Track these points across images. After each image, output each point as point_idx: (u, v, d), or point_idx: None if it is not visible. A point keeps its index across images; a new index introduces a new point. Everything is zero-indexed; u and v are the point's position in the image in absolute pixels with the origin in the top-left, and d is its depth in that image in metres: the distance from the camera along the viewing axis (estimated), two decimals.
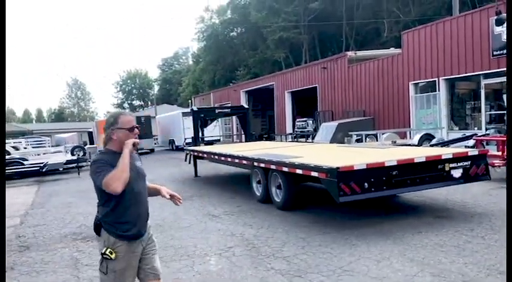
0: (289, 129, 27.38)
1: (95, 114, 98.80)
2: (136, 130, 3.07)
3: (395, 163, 6.05)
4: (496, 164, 8.99)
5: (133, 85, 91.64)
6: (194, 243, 5.79)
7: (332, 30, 41.56)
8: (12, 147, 24.99)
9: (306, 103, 28.11)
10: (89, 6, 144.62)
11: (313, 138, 20.57)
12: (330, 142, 16.70)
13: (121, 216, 2.97)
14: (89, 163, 15.44)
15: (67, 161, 17.50)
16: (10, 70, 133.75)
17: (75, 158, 18.47)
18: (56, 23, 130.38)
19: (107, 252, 2.91)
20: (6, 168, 16.37)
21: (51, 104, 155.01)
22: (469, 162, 6.58)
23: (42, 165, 16.85)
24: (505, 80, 14.05)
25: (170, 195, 3.41)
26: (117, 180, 2.79)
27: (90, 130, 31.12)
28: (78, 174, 16.18)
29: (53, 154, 23.37)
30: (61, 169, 17.08)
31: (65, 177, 15.86)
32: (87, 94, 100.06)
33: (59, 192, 11.96)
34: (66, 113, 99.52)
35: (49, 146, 32.35)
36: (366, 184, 5.80)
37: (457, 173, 6.48)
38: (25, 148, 27.51)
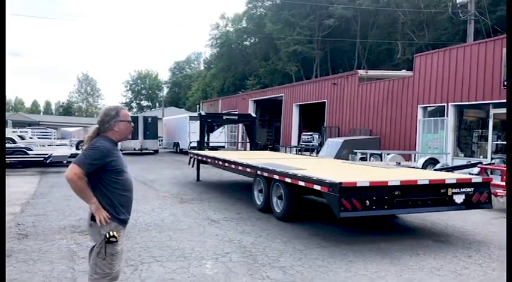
0: (294, 142, 27.39)
1: None
2: (132, 123, 3.43)
3: (398, 183, 6.05)
4: (498, 194, 8.97)
5: (143, 85, 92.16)
6: (191, 246, 5.80)
7: (345, 48, 41.76)
8: (18, 136, 25.15)
9: (313, 117, 28.16)
10: (107, 3, 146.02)
11: (317, 152, 20.57)
12: (335, 158, 16.69)
13: (119, 201, 3.24)
14: None
15: (71, 154, 17.55)
16: (22, 60, 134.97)
17: (79, 152, 18.56)
18: (72, 16, 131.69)
19: (114, 234, 3.15)
20: (11, 156, 16.48)
21: (60, 97, 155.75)
22: (472, 189, 6.56)
23: (46, 156, 16.94)
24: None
25: None
26: (73, 182, 3.06)
27: (97, 126, 31.27)
28: None
29: (58, 146, 23.49)
30: (65, 162, 17.14)
31: None
32: (97, 90, 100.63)
33: (61, 185, 11.99)
34: (74, 108, 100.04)
35: (55, 138, 32.53)
36: (367, 201, 5.80)
37: (459, 199, 6.47)
38: (31, 138, 27.69)
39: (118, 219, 3.22)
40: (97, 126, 3.34)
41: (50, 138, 32.10)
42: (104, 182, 3.19)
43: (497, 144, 15.36)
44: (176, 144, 29.98)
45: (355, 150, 16.81)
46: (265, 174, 8.10)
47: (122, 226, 3.28)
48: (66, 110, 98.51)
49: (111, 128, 3.28)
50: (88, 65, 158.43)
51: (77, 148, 23.54)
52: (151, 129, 27.90)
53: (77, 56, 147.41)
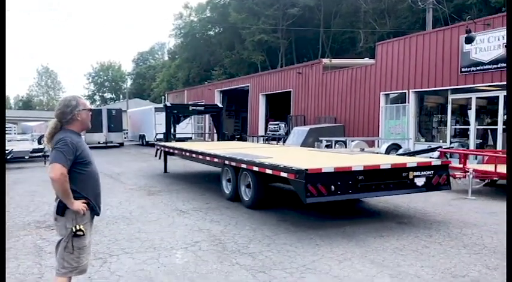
0: (261, 132, 27.53)
1: None
2: (90, 111, 3.41)
3: (361, 168, 6.24)
4: (457, 176, 9.37)
5: (105, 77, 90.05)
6: (161, 237, 5.81)
7: (309, 37, 42.07)
8: None
9: (279, 106, 28.35)
10: None
11: (284, 141, 20.77)
12: (301, 146, 16.90)
13: (87, 193, 3.21)
14: None
15: (33, 149, 17.08)
16: None
17: (42, 146, 18.05)
18: (32, 7, 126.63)
19: (81, 228, 3.13)
20: None
21: (20, 91, 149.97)
22: (432, 171, 6.84)
23: (6, 152, 16.37)
24: (471, 96, 14.65)
25: None
26: (59, 182, 3.01)
27: (56, 119, 30.41)
28: (45, 163, 15.84)
29: (18, 142, 22.74)
30: (27, 157, 16.65)
31: (30, 166, 15.51)
32: (58, 83, 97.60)
33: (24, 181, 11.70)
34: (35, 101, 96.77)
35: (15, 133, 31.45)
36: (332, 187, 5.96)
37: (420, 182, 6.73)
38: None
39: (85, 211, 3.20)
40: (56, 120, 3.24)
41: (10, 133, 31.01)
42: (71, 175, 3.11)
43: (455, 128, 15.96)
44: (142, 137, 29.57)
45: (320, 138, 17.09)
46: (233, 163, 8.16)
47: (89, 219, 3.26)
48: (26, 104, 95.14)
49: (75, 119, 3.23)
50: (48, 58, 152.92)
51: (39, 143, 22.85)
52: (115, 122, 27.39)
53: (35, 49, 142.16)
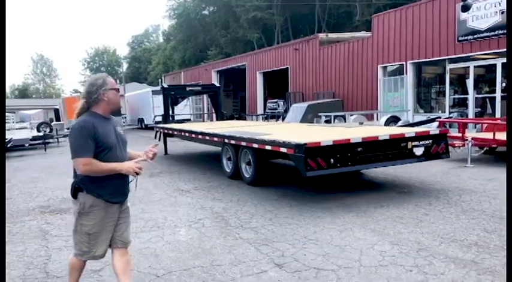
0: (260, 110, 27.48)
1: (61, 91, 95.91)
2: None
3: (360, 140, 6.26)
4: (456, 145, 9.42)
5: (101, 62, 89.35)
6: (164, 216, 5.89)
7: (305, 12, 41.51)
8: None
9: (277, 84, 28.22)
10: None
11: (283, 119, 20.76)
12: (300, 123, 16.90)
13: (103, 179, 3.01)
14: (56, 140, 14.91)
15: (33, 137, 17.13)
16: None
17: (41, 134, 18.11)
18: None
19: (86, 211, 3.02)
20: None
21: (15, 80, 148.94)
22: (431, 140, 6.88)
23: (6, 140, 16.41)
24: (469, 65, 14.57)
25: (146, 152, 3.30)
26: (89, 172, 2.92)
27: (57, 107, 30.41)
28: (45, 150, 15.90)
29: (17, 130, 22.77)
30: (27, 145, 16.71)
31: (31, 154, 15.55)
32: (54, 71, 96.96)
33: (25, 168, 11.75)
34: (31, 90, 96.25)
35: (13, 122, 31.46)
36: (332, 160, 6.00)
37: (419, 151, 6.77)
38: None
39: (98, 195, 3.03)
40: (83, 100, 3.06)
41: (9, 122, 31.00)
42: None
43: (454, 98, 15.93)
44: (141, 120, 29.56)
45: (319, 114, 17.08)
46: (233, 141, 8.19)
47: (103, 205, 3.04)
48: (23, 92, 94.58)
49: (101, 98, 3.03)
50: (41, 45, 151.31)
51: (38, 130, 22.89)
52: None
53: (28, 36, 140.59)
